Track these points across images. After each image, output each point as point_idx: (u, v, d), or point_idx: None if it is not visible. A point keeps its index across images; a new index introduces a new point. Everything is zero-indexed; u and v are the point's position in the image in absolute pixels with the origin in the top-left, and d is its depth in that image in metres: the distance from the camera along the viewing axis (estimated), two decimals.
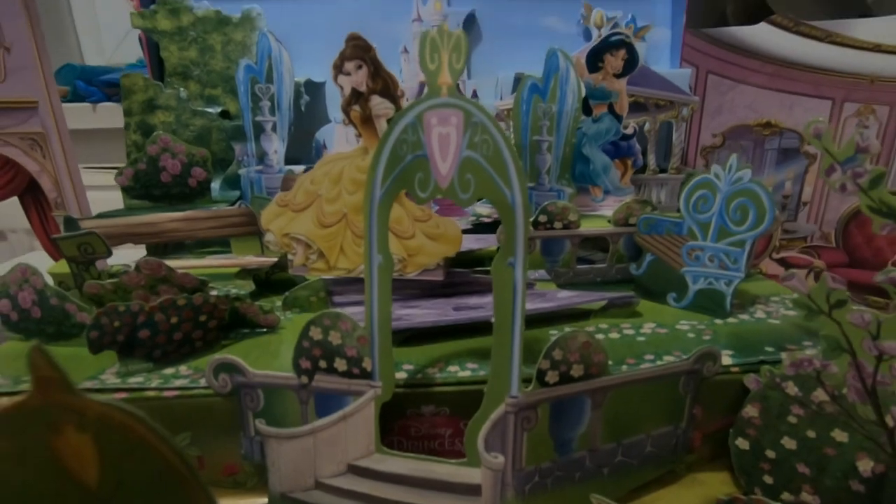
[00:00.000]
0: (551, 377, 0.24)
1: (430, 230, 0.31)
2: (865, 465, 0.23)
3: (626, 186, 0.43)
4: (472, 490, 0.24)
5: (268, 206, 0.32)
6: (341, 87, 0.30)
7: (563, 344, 0.24)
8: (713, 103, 0.51)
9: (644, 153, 0.48)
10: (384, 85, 0.30)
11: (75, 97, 0.69)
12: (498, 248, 0.25)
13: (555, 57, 0.36)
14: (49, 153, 0.39)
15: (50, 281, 0.31)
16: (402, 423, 0.27)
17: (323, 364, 0.24)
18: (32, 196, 0.40)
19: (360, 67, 0.30)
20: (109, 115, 0.62)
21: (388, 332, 0.24)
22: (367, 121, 0.31)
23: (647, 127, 0.48)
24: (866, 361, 0.22)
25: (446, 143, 0.21)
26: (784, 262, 0.49)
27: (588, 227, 0.37)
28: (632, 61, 0.40)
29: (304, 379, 0.25)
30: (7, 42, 0.36)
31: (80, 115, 0.64)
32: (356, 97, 0.30)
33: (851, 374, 0.23)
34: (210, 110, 0.44)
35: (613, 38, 0.40)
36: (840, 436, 0.23)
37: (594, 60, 0.40)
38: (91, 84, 0.68)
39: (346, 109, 0.30)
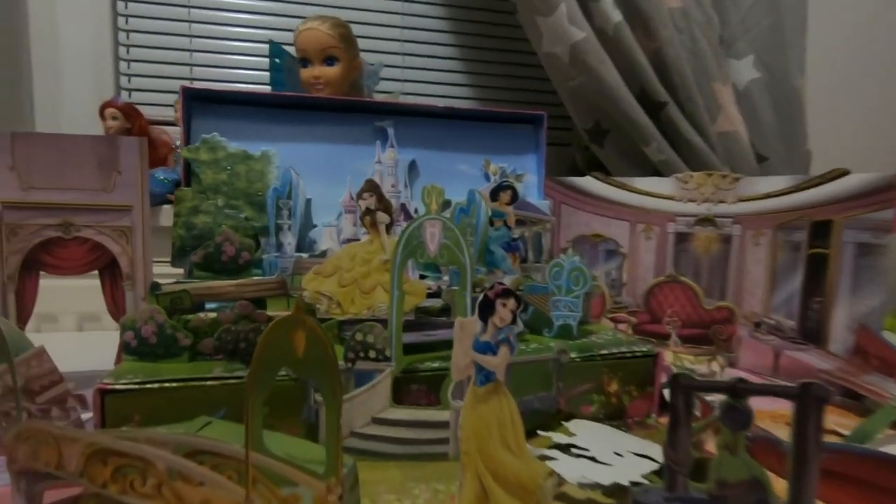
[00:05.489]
0: None
1: (407, 289, 0.52)
2: None
3: (516, 270, 0.69)
4: (444, 424, 0.44)
5: (307, 274, 0.51)
6: (360, 206, 0.53)
7: None
8: (564, 222, 0.81)
9: (526, 251, 0.75)
10: (385, 205, 0.53)
11: None
12: (441, 305, 0.48)
13: (474, 193, 0.63)
14: (131, 241, 0.55)
15: None
16: (400, 395, 0.46)
17: (362, 354, 0.44)
18: (109, 271, 0.55)
19: (371, 196, 0.53)
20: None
21: (400, 335, 0.44)
22: (373, 225, 0.53)
23: (526, 235, 0.76)
24: None
25: (434, 236, 0.44)
26: (614, 320, 0.77)
27: None
28: (515, 196, 0.68)
29: (350, 364, 0.43)
30: (121, 168, 0.54)
31: None
32: (368, 212, 0.52)
33: None
34: (240, 215, 0.63)
35: (504, 183, 0.68)
36: None
37: (493, 195, 0.67)
38: None
39: (362, 218, 0.52)
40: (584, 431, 0.46)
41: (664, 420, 0.53)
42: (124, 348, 0.45)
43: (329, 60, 0.97)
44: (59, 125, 1.16)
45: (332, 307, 0.51)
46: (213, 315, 0.47)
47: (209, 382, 0.41)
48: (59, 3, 1.14)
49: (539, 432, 0.43)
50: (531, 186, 0.82)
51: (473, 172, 0.80)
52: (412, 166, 0.77)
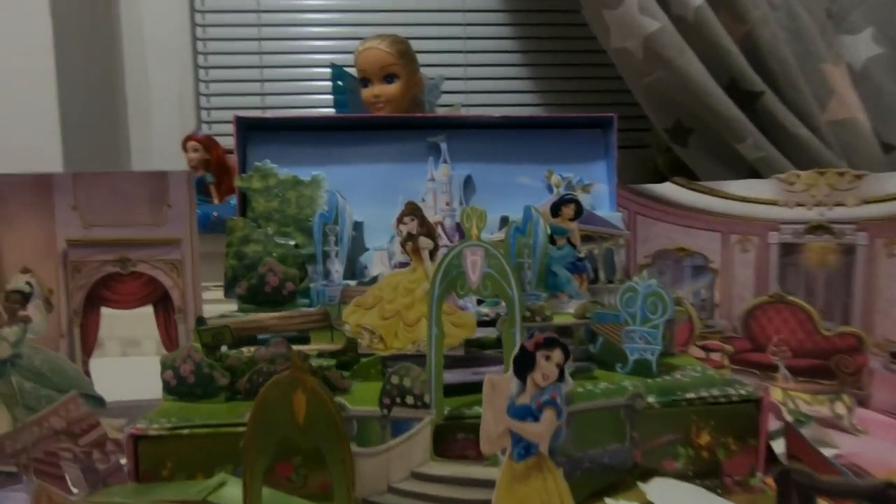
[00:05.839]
0: None
1: (455, 320, 0.47)
2: None
3: (584, 293, 0.61)
4: (493, 483, 0.38)
5: (348, 306, 0.48)
6: (400, 231, 0.49)
7: None
8: (642, 235, 0.72)
9: (595, 270, 0.67)
10: (428, 230, 0.48)
11: None
12: (497, 336, 0.41)
13: (529, 210, 0.56)
14: (182, 274, 0.55)
15: None
16: (444, 445, 0.41)
17: (398, 400, 0.39)
18: (162, 304, 0.56)
19: (412, 219, 0.49)
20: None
21: (440, 378, 0.39)
22: (416, 251, 0.49)
23: (595, 252, 0.68)
24: None
25: (475, 265, 0.39)
26: (705, 348, 0.66)
27: (558, 320, 0.54)
28: (580, 210, 0.61)
29: (386, 411, 0.39)
30: (171, 201, 0.54)
31: None
32: (410, 237, 0.48)
33: None
34: (290, 242, 0.62)
35: (566, 196, 0.61)
36: None
37: (554, 210, 0.60)
38: None
39: (403, 244, 0.48)
40: (665, 497, 0.38)
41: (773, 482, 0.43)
42: (164, 388, 0.44)
43: (388, 78, 0.96)
44: (150, 158, 1.26)
45: (375, 342, 0.47)
46: (253, 350, 0.45)
47: (239, 428, 0.39)
48: (149, 52, 1.24)
49: (606, 500, 0.36)
50: (601, 197, 0.73)
51: (535, 185, 0.74)
52: (468, 182, 0.73)
